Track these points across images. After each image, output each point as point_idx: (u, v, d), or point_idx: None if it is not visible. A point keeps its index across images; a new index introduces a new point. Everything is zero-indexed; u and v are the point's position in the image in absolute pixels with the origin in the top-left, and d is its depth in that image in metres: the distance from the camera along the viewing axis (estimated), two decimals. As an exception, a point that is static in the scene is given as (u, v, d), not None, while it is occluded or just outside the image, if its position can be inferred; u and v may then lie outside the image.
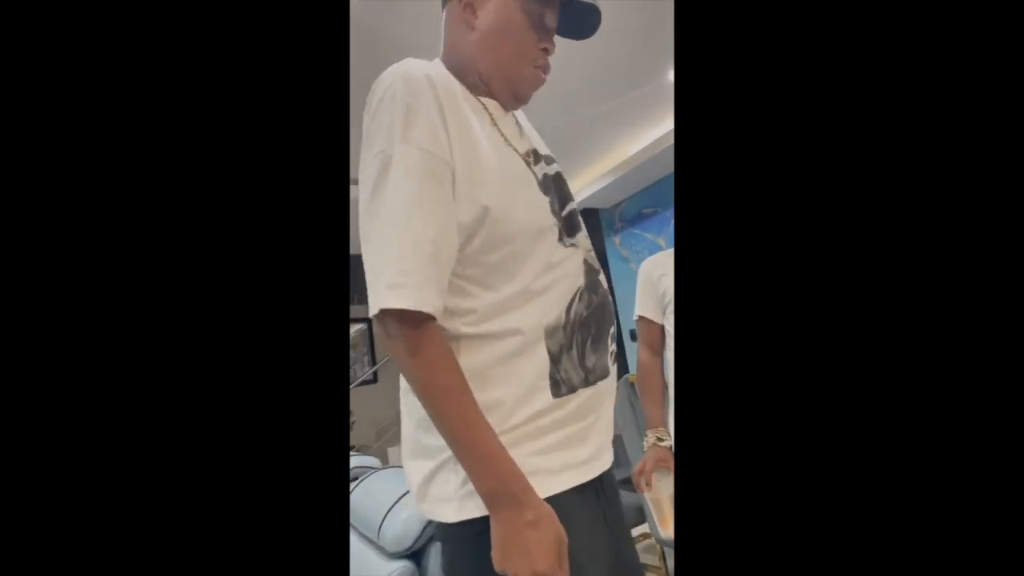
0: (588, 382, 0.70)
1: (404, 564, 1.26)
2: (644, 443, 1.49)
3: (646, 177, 3.87)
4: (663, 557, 2.23)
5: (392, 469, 1.66)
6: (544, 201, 0.71)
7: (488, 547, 0.60)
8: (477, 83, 0.74)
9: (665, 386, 1.60)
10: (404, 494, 1.33)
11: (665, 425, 1.52)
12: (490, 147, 0.68)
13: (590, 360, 0.71)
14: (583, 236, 0.76)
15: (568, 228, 0.73)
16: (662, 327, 1.62)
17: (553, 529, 0.59)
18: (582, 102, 2.94)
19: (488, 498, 0.60)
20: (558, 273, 0.70)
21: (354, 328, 5.25)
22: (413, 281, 0.59)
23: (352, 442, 4.34)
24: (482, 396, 0.64)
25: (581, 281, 0.72)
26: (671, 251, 1.69)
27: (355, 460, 1.96)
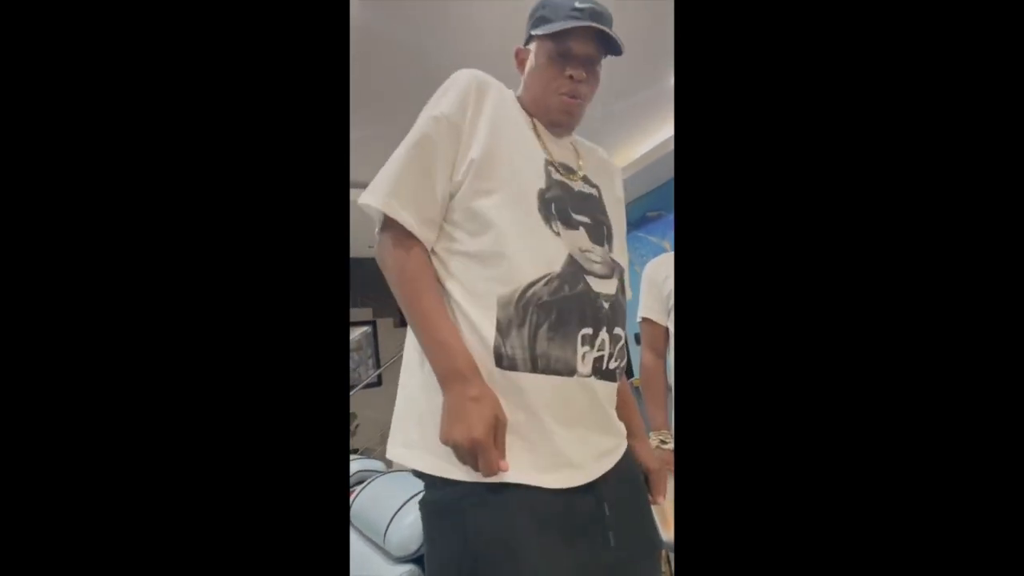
0: (536, 368, 0.71)
1: (409, 568, 1.26)
2: (649, 446, 1.48)
3: (650, 180, 3.87)
4: (668, 561, 2.22)
5: (397, 473, 1.66)
6: (536, 184, 0.79)
7: (457, 514, 0.68)
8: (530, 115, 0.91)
9: (669, 389, 1.59)
10: (409, 498, 1.33)
11: (669, 428, 1.52)
12: (513, 134, 0.82)
13: (542, 345, 0.72)
14: (580, 247, 0.80)
15: (563, 220, 0.79)
16: (667, 329, 1.61)
17: (493, 406, 0.67)
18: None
19: (442, 377, 0.70)
20: (528, 249, 0.75)
21: (358, 331, 5.26)
22: (385, 191, 0.75)
23: (356, 445, 4.34)
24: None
25: (556, 269, 0.75)
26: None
27: (360, 464, 1.96)
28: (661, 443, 1.45)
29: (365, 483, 1.61)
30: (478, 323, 0.72)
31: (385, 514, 1.35)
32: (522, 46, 0.92)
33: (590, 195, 0.88)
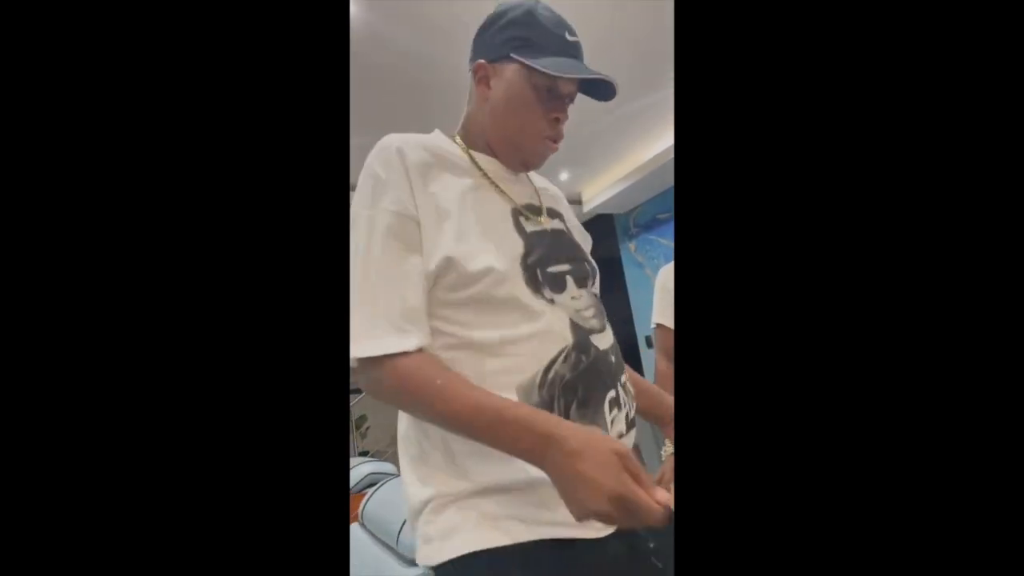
0: None
1: (423, 571, 1.26)
2: (661, 453, 1.47)
3: (661, 182, 3.86)
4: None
5: (409, 476, 1.66)
6: (515, 251, 0.71)
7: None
8: (486, 148, 0.80)
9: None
10: (422, 501, 1.34)
11: (683, 434, 1.51)
12: (469, 199, 0.72)
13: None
14: (571, 297, 0.73)
15: (551, 284, 0.72)
16: (679, 335, 1.61)
17: (603, 449, 0.55)
18: (596, 107, 2.94)
19: (531, 456, 0.58)
20: (534, 328, 0.67)
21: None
22: (376, 332, 0.64)
23: (367, 448, 4.36)
24: (453, 446, 0.67)
25: (568, 341, 0.69)
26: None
27: (371, 466, 1.97)
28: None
29: (377, 486, 1.61)
30: None
31: (397, 517, 1.35)
32: (484, 60, 0.77)
33: (561, 231, 0.80)
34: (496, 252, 0.69)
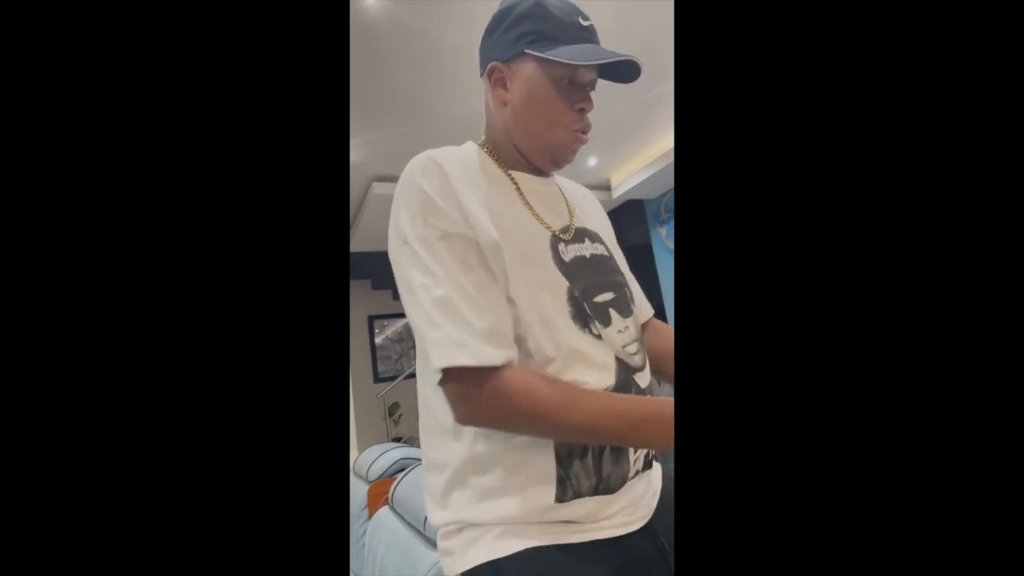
0: (598, 490, 0.65)
1: (449, 554, 1.28)
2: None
3: (692, 167, 3.77)
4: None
5: (437, 461, 1.69)
6: (560, 287, 0.68)
7: None
8: (515, 156, 0.75)
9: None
10: (448, 486, 1.35)
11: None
12: (510, 220, 0.68)
13: (606, 468, 0.65)
14: (618, 331, 0.70)
15: (598, 316, 0.69)
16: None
17: None
18: (624, 92, 2.89)
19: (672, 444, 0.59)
20: (583, 372, 0.65)
21: (400, 323, 5.37)
22: (467, 341, 0.59)
23: (399, 434, 4.45)
24: (482, 480, 0.65)
25: (610, 380, 0.66)
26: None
27: (401, 452, 2.01)
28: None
29: (406, 471, 1.64)
30: (536, 457, 0.64)
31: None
32: (497, 62, 0.72)
33: (601, 256, 0.76)
34: (544, 294, 0.66)
